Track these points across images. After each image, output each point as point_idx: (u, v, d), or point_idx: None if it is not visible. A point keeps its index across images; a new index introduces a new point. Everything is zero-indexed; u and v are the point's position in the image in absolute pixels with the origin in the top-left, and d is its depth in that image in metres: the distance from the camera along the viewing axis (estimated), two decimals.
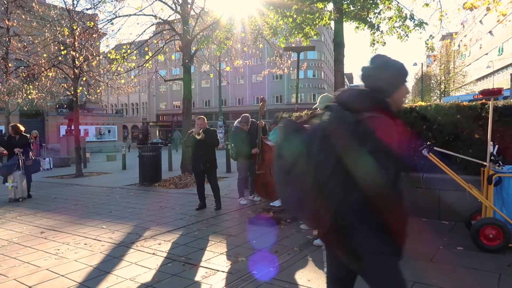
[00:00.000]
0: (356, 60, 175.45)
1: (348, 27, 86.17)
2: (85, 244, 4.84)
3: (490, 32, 39.51)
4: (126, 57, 11.79)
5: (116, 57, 11.75)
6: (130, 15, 11.45)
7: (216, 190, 6.77)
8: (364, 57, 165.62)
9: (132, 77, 14.27)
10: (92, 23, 12.45)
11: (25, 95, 14.89)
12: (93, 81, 14.58)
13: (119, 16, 11.45)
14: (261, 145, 7.12)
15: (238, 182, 7.40)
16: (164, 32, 13.07)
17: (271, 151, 7.08)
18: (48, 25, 12.95)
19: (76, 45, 12.52)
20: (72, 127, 17.81)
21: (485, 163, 4.45)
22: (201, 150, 6.59)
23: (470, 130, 5.32)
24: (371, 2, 8.71)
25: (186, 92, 11.44)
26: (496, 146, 4.69)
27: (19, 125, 8.73)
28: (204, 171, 6.70)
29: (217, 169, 6.90)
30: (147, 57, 12.19)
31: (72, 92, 13.19)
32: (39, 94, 15.22)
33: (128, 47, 12.09)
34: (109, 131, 36.01)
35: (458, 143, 5.41)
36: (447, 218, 5.39)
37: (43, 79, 13.77)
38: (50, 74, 13.21)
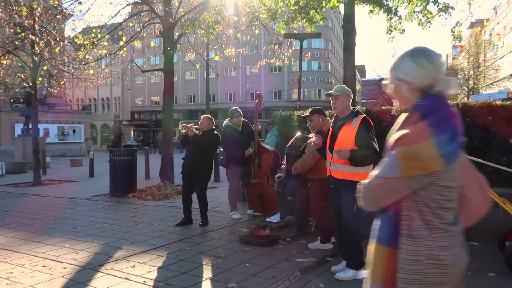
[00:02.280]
0: (370, 50, 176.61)
1: (361, 10, 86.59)
2: (43, 266, 4.80)
3: None
4: (96, 42, 11.76)
5: (84, 42, 11.72)
6: None
7: (203, 203, 6.84)
8: (379, 46, 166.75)
9: (103, 66, 14.24)
10: (56, 2, 12.42)
11: None
12: (56, 70, 14.52)
13: None
14: (258, 149, 7.12)
15: (229, 194, 7.41)
16: (142, 14, 13.07)
17: (269, 156, 7.08)
18: (2, 3, 12.90)
19: (36, 28, 12.46)
20: (30, 126, 17.69)
21: None
22: (191, 151, 6.77)
23: (504, 135, 5.36)
24: None
25: (167, 85, 11.44)
26: None
27: None
28: (192, 176, 6.78)
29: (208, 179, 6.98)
30: (121, 43, 12.17)
31: (31, 84, 13.11)
32: None
33: (99, 31, 12.06)
34: (74, 131, 35.84)
35: (490, 150, 5.45)
36: (476, 238, 5.41)
37: None
38: (4, 62, 13.13)
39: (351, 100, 4.48)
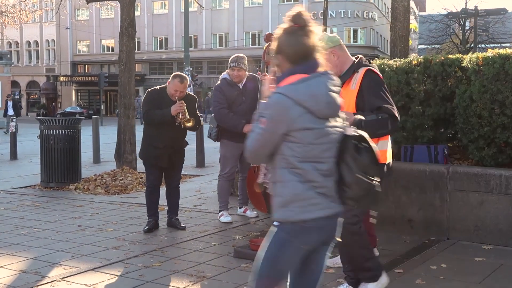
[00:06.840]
0: None
1: None
2: None
3: None
4: None
5: None
6: None
7: (177, 197, 6.97)
8: None
9: None
10: None
11: None
12: None
13: None
14: None
15: (219, 183, 7.44)
16: None
17: None
18: None
19: None
20: None
21: None
22: (173, 131, 6.65)
23: None
24: None
25: (126, 22, 11.33)
26: None
27: None
28: (167, 166, 6.85)
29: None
30: None
31: None
32: None
33: None
34: None
35: None
36: None
37: None
38: None
39: (343, 47, 4.38)
